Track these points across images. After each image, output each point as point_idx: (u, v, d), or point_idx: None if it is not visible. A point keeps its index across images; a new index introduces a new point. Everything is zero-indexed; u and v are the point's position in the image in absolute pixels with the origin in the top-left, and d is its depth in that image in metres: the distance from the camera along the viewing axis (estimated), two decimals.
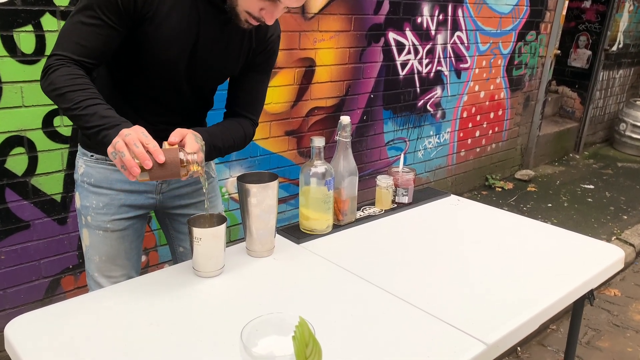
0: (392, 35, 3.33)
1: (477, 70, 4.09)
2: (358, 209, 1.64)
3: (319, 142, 1.39)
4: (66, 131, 2.14)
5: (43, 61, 2.01)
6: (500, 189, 4.63)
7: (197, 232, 1.19)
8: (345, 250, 1.38)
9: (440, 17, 3.60)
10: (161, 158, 1.04)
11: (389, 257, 1.36)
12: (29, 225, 2.17)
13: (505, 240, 1.48)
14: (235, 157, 2.77)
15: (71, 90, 1.13)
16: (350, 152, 1.48)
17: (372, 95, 3.37)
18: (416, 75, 3.62)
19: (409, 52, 3.49)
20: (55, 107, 2.08)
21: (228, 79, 1.47)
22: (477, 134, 4.40)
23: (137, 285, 1.22)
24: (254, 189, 1.26)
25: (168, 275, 1.25)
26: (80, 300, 1.15)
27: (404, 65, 3.50)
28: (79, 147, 1.46)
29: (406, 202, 1.67)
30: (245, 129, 1.43)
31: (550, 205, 4.34)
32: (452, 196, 1.80)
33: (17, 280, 2.20)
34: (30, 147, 2.09)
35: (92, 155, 1.42)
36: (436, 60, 3.72)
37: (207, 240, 1.19)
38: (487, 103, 4.35)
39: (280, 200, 2.99)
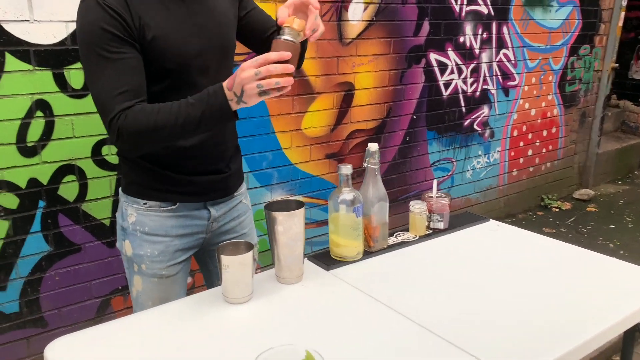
0: (433, 56, 3.31)
1: (526, 88, 3.99)
2: (392, 235, 1.62)
3: (346, 169, 1.39)
4: (113, 159, 2.24)
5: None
6: (557, 209, 4.45)
7: (225, 259, 1.21)
8: (375, 278, 1.37)
9: (484, 35, 3.55)
10: (287, 55, 1.11)
11: (420, 286, 1.33)
12: (81, 249, 2.28)
13: (545, 268, 1.41)
14: (276, 181, 2.81)
15: (155, 124, 1.18)
16: (379, 179, 1.47)
17: (414, 117, 3.34)
18: (461, 95, 3.57)
19: (452, 72, 3.45)
20: (103, 136, 2.19)
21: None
22: (530, 152, 4.27)
23: (168, 310, 1.25)
24: (280, 217, 1.27)
25: (199, 301, 1.27)
26: (114, 325, 1.19)
27: (447, 85, 3.46)
28: (126, 196, 1.43)
29: (442, 227, 1.64)
30: None
31: (612, 226, 4.13)
32: (492, 221, 1.75)
33: (70, 300, 2.30)
34: (81, 174, 2.20)
35: (144, 203, 1.40)
36: (481, 79, 3.66)
37: (235, 267, 1.21)
38: (539, 121, 4.22)
39: (321, 223, 3.00)
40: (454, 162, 3.72)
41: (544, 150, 4.37)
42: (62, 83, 2.06)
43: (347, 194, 1.40)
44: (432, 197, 1.63)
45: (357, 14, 2.86)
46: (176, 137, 1.22)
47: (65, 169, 2.16)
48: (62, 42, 2.03)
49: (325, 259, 1.45)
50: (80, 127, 2.14)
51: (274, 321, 1.18)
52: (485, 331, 1.12)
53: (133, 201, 1.42)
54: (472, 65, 3.56)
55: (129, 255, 1.44)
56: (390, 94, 3.17)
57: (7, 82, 1.95)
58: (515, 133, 4.06)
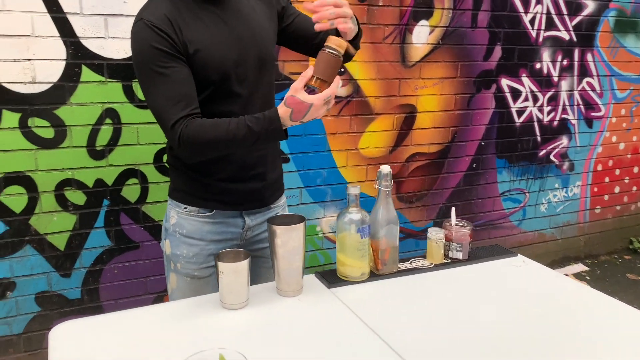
0: (505, 82, 3.21)
1: (614, 120, 3.72)
2: (408, 260, 1.60)
3: (354, 190, 1.42)
4: None
5: None
6: None
7: (220, 266, 1.28)
8: (372, 302, 1.36)
9: (564, 62, 3.37)
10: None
11: (421, 318, 1.29)
12: (139, 246, 2.47)
13: (568, 314, 1.32)
14: (330, 198, 2.86)
15: (215, 139, 1.33)
16: (390, 201, 1.48)
17: (482, 143, 3.25)
18: (536, 123, 3.41)
19: (526, 99, 3.32)
20: (164, 145, 2.37)
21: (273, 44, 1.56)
22: (617, 189, 3.96)
23: (168, 309, 1.34)
24: (278, 230, 1.32)
25: (199, 304, 1.35)
26: (112, 317, 1.30)
27: (520, 112, 3.33)
28: (171, 200, 1.56)
29: (460, 258, 1.60)
30: None
31: None
32: (519, 256, 1.68)
33: (126, 293, 2.50)
34: (143, 178, 2.39)
35: (185, 208, 1.52)
36: (560, 108, 3.47)
37: (229, 274, 1.28)
38: (628, 156, 3.91)
39: None
40: (527, 194, 3.55)
41: (634, 188, 4.03)
42: (129, 94, 2.28)
43: (354, 214, 1.42)
44: (451, 225, 1.60)
45: (421, 37, 2.86)
46: (231, 152, 1.41)
47: (129, 173, 2.37)
48: (130, 58, 2.25)
49: (330, 276, 1.48)
50: (144, 135, 2.34)
51: (255, 330, 1.22)
52: None
53: (176, 205, 1.55)
54: (549, 93, 3.39)
55: (168, 253, 1.57)
56: (456, 118, 3.11)
57: (82, 92, 2.19)
58: (599, 167, 3.79)
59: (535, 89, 3.34)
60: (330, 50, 1.30)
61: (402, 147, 2.99)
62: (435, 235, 1.58)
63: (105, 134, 2.28)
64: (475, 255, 1.64)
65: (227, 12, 1.44)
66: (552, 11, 3.24)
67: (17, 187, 2.19)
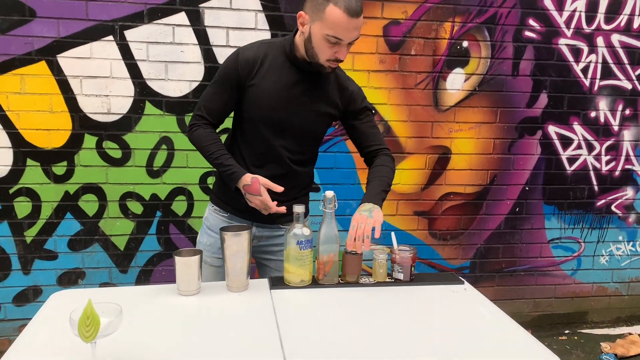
0: (553, 129, 3.21)
1: None
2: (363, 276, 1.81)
3: (298, 208, 1.68)
4: None
5: None
6: None
7: (176, 259, 1.62)
8: (297, 308, 1.55)
9: (627, 112, 3.28)
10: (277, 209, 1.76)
11: (324, 327, 1.43)
12: None
13: (473, 340, 1.41)
14: None
15: (207, 144, 1.79)
16: (333, 221, 1.71)
17: (527, 188, 3.26)
18: (592, 172, 3.33)
19: (579, 147, 3.27)
20: (209, 169, 2.81)
21: (321, 129, 1.90)
22: None
23: (146, 289, 1.69)
24: (225, 236, 1.63)
25: (162, 289, 1.69)
26: (101, 290, 1.69)
27: (572, 160, 3.28)
28: (209, 201, 2.01)
29: (401, 278, 1.77)
30: (388, 164, 1.92)
31: None
32: (466, 284, 1.79)
33: None
34: (189, 196, 2.85)
35: (213, 206, 1.96)
36: (622, 158, 3.35)
37: (180, 266, 1.61)
38: None
39: None
40: (582, 243, 3.44)
41: None
42: (182, 125, 2.76)
43: (296, 229, 1.68)
44: (393, 247, 1.78)
45: (456, 84, 3.02)
46: (208, 161, 1.83)
47: (179, 190, 2.84)
48: (185, 96, 2.74)
49: (277, 281, 1.74)
50: (192, 160, 2.81)
51: (188, 311, 1.52)
52: None
53: (210, 204, 1.99)
54: (608, 143, 3.31)
55: (198, 239, 2.01)
56: (496, 161, 3.18)
57: (144, 122, 2.73)
58: None
59: (590, 138, 3.28)
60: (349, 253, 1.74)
61: (435, 185, 3.13)
62: (378, 255, 1.77)
63: (161, 157, 2.78)
64: (421, 278, 1.80)
65: (306, 83, 1.78)
66: (610, 60, 3.20)
67: (91, 195, 2.76)
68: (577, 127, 3.25)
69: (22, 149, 2.66)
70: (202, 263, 1.65)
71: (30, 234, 2.76)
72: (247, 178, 1.74)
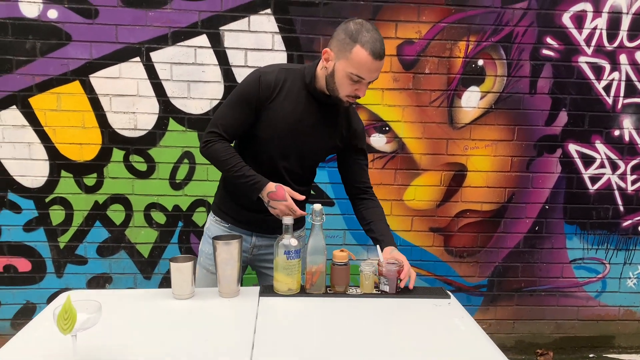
0: (573, 147, 3.17)
1: None
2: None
3: (287, 220, 1.77)
4: None
5: None
6: None
7: (171, 264, 1.75)
8: (281, 315, 1.64)
9: None
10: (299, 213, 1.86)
11: (302, 337, 1.50)
12: None
13: (446, 351, 1.46)
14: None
15: (227, 157, 1.86)
16: (320, 233, 1.79)
17: (547, 207, 3.23)
18: (616, 192, 3.26)
19: (602, 166, 3.21)
20: None
21: (324, 156, 2.01)
22: None
23: (148, 292, 1.82)
24: (217, 244, 1.75)
25: (160, 293, 1.81)
26: (107, 292, 1.84)
27: (594, 179, 3.23)
28: (211, 211, 2.11)
29: (387, 290, 1.82)
30: (378, 205, 2.05)
31: None
32: (452, 298, 1.82)
33: None
34: (209, 208, 3.00)
35: (214, 217, 2.08)
36: None
37: (175, 271, 1.74)
38: None
39: None
40: (607, 265, 3.36)
41: None
42: None
43: (284, 240, 1.78)
44: (379, 261, 1.84)
45: (471, 102, 3.05)
46: (227, 175, 1.92)
47: (199, 202, 3.00)
48: (206, 113, 2.91)
49: (268, 289, 1.84)
50: (213, 173, 2.96)
51: (179, 314, 1.64)
52: None
53: (211, 214, 2.12)
54: (633, 162, 3.23)
55: (200, 248, 2.13)
56: (514, 179, 3.17)
57: (168, 138, 2.91)
58: None
59: (614, 156, 3.22)
60: (337, 264, 1.81)
61: (450, 202, 3.15)
62: (366, 267, 1.84)
63: (183, 171, 2.95)
64: (407, 291, 1.85)
65: (319, 114, 1.88)
66: (634, 78, 3.14)
67: (118, 205, 2.96)
68: (600, 146, 3.20)
69: (57, 162, 2.90)
70: (195, 269, 1.77)
71: (63, 240, 2.98)
72: (272, 186, 1.84)
